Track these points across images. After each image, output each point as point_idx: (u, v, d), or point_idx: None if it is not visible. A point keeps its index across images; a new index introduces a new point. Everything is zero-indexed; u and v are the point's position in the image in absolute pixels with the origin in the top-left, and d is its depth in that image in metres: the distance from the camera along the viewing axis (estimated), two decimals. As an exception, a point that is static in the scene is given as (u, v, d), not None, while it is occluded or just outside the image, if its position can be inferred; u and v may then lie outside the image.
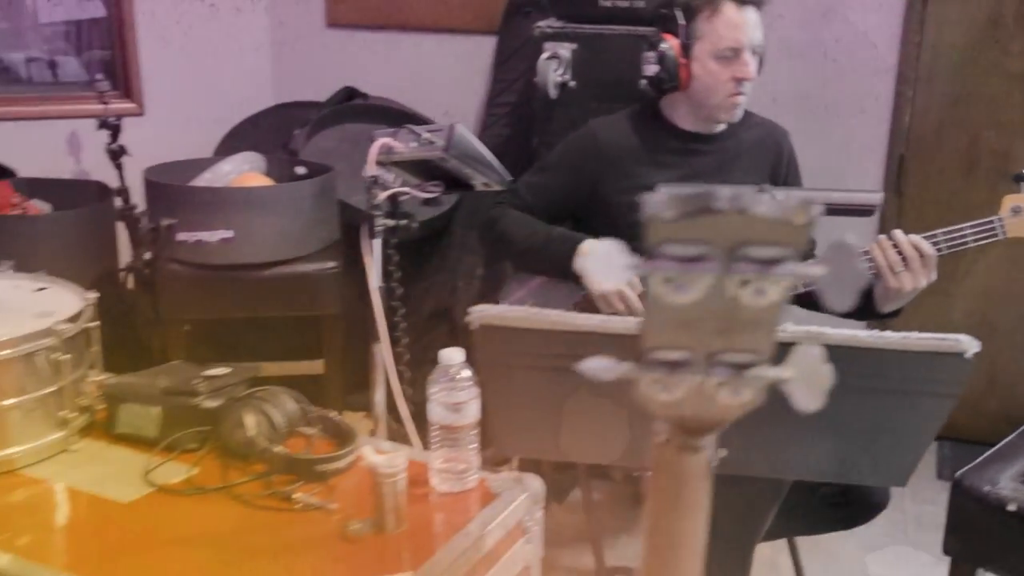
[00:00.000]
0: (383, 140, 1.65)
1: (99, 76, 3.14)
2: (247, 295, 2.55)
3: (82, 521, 1.39)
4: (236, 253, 2.50)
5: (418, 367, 1.85)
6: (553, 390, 1.21)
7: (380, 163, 1.64)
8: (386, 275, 1.64)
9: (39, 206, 3.04)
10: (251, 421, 1.50)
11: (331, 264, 2.64)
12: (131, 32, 3.45)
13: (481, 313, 1.15)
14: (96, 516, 1.39)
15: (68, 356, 1.54)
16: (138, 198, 3.13)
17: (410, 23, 3.48)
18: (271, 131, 3.43)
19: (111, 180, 3.12)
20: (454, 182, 1.69)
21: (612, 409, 1.18)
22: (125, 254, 3.10)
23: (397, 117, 3.23)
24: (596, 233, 2.09)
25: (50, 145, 3.35)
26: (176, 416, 1.55)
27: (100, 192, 3.17)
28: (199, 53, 3.59)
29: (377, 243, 1.64)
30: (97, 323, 1.62)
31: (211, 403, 1.56)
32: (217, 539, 1.34)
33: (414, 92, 3.44)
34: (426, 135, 1.61)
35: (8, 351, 1.47)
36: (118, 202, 3.10)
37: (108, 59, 3.57)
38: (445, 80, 3.47)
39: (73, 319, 1.56)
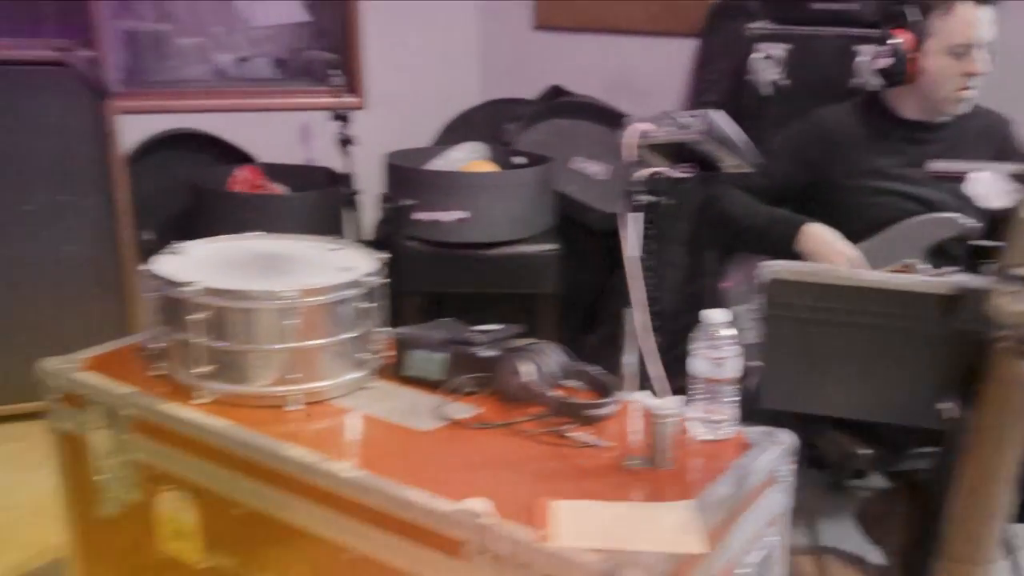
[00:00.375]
0: (640, 125, 1.82)
1: (334, 72, 3.44)
2: (476, 271, 2.78)
3: (393, 444, 1.60)
4: (469, 232, 2.73)
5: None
6: (832, 344, 1.34)
7: (638, 147, 1.81)
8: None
9: (278, 187, 3.37)
10: (527, 369, 1.69)
11: (551, 247, 2.84)
12: (356, 34, 3.76)
13: (771, 267, 1.30)
14: (403, 441, 1.60)
15: (370, 306, 1.77)
16: (362, 184, 3.43)
17: (615, 26, 3.66)
18: (481, 125, 3.68)
19: (337, 167, 3.44)
20: (703, 164, 1.84)
21: (889, 365, 1.31)
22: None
23: (602, 114, 3.42)
24: (817, 216, 2.21)
25: (283, 134, 3.69)
26: (458, 362, 1.76)
27: (329, 177, 3.48)
28: (414, 53, 3.87)
29: (637, 217, 1.81)
30: (387, 280, 1.85)
31: (488, 352, 1.76)
32: (510, 464, 1.53)
33: (616, 91, 3.61)
34: (683, 119, 1.77)
35: (322, 298, 1.70)
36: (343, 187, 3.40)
37: (330, 58, 3.89)
38: (646, 80, 3.63)
39: (372, 274, 1.79)
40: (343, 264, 1.85)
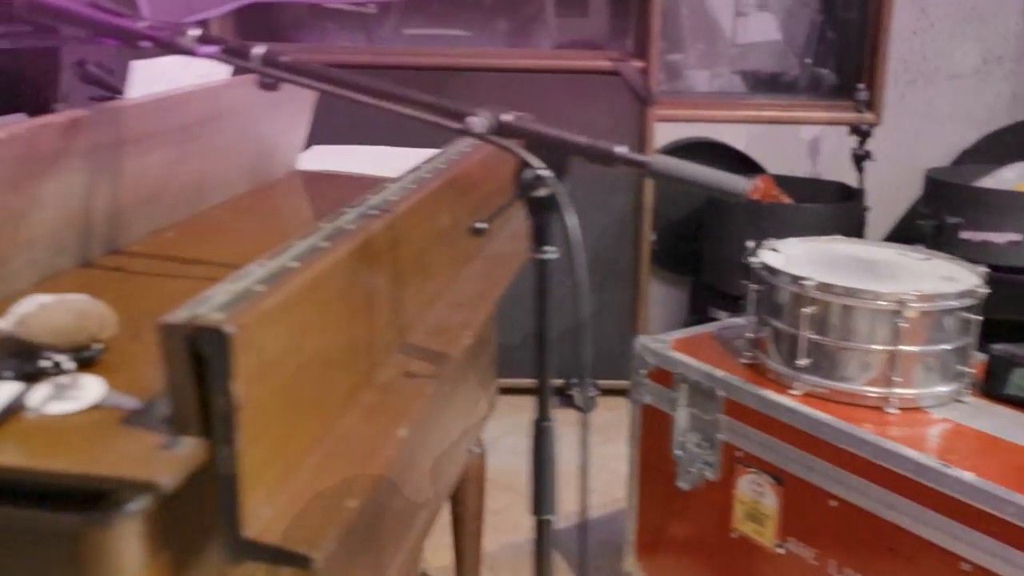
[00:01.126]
0: None
1: (860, 86, 3.40)
2: (1024, 299, 2.60)
3: (1012, 460, 1.54)
4: (1020, 256, 2.56)
5: None
6: None
7: None
8: None
9: (786, 198, 3.41)
10: None
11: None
12: (883, 50, 3.67)
13: None
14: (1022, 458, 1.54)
15: (974, 318, 1.72)
16: (870, 201, 3.36)
17: None
18: (1013, 146, 3.44)
19: (846, 181, 3.40)
20: None
21: None
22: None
23: None
24: None
25: (789, 147, 3.72)
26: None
27: (840, 192, 3.45)
28: (936, 69, 3.70)
29: None
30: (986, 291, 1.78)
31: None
32: None
33: None
34: None
35: (933, 304, 1.68)
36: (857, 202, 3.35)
37: (824, 74, 3.88)
38: None
39: (980, 286, 1.74)
40: (944, 274, 1.82)
